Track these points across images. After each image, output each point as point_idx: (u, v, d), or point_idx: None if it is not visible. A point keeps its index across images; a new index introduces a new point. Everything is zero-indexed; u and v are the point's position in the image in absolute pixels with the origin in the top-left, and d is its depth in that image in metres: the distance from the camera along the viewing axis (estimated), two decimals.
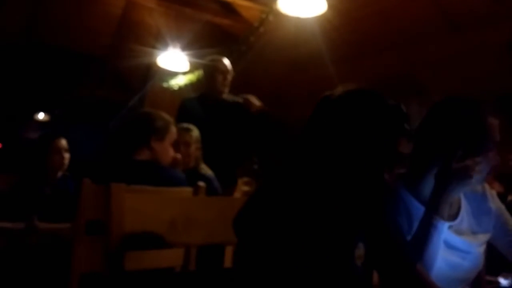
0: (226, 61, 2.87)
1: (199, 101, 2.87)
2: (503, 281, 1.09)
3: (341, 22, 3.62)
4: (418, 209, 1.18)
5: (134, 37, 5.02)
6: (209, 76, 2.86)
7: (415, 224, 1.18)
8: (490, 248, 1.31)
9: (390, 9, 3.50)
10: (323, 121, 0.99)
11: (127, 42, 5.03)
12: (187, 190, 1.63)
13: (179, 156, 1.99)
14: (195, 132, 2.46)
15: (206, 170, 2.46)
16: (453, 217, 1.24)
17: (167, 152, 1.83)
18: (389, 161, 1.00)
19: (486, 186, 1.32)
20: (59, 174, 2.44)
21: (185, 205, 1.28)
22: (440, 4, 3.35)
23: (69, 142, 2.49)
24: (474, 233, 1.27)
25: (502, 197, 2.39)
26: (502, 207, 1.32)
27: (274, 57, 4.58)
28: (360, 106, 0.99)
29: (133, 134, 1.81)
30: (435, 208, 1.13)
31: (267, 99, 3.09)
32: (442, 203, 1.13)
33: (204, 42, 4.47)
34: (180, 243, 1.21)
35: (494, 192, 1.33)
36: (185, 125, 2.43)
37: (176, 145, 1.98)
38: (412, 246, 1.10)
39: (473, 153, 1.13)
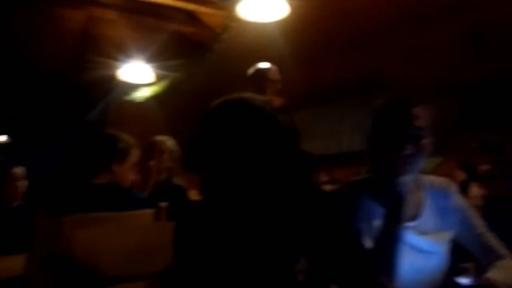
0: (275, 69, 2.75)
1: None
2: (463, 280, 1.09)
3: (303, 25, 3.62)
4: (379, 212, 1.18)
5: (96, 50, 4.89)
6: (259, 84, 2.70)
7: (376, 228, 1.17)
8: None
9: (350, 8, 3.51)
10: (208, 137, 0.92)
11: (89, 56, 4.89)
12: (148, 212, 1.57)
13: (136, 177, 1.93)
14: (170, 142, 2.42)
15: (179, 181, 2.41)
16: (414, 217, 1.24)
17: (127, 175, 1.78)
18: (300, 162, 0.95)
19: (450, 183, 1.32)
20: (15, 203, 2.34)
21: (142, 233, 1.21)
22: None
23: (30, 163, 2.41)
24: (439, 231, 1.26)
25: (464, 185, 2.42)
26: (466, 203, 1.32)
27: (239, 62, 4.54)
28: (245, 119, 0.91)
29: (94, 158, 1.76)
30: (392, 213, 1.14)
31: None
32: (398, 207, 1.15)
33: (170, 52, 4.39)
34: (141, 274, 1.14)
35: (456, 189, 1.33)
36: (161, 136, 2.42)
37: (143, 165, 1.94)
38: (374, 254, 1.10)
39: (398, 145, 1.15)
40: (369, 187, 1.24)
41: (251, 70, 2.73)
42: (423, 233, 1.22)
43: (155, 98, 4.76)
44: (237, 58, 4.43)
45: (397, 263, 1.12)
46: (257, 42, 4.02)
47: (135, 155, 1.82)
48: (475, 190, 2.29)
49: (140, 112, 4.89)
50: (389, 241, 1.11)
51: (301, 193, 0.99)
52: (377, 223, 1.17)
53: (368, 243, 1.15)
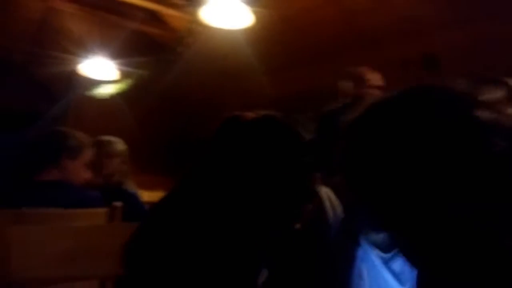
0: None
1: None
2: None
3: (266, 35, 3.70)
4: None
5: (57, 43, 4.76)
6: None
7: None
8: None
9: (311, 23, 3.63)
10: (229, 147, 0.93)
11: (48, 49, 4.75)
12: (101, 211, 1.56)
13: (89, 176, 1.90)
14: (120, 145, 2.35)
15: (130, 186, 2.37)
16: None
17: (79, 172, 1.75)
18: (300, 197, 0.95)
19: None
20: None
21: (93, 233, 1.21)
22: (356, 20, 3.54)
23: None
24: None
25: None
26: None
27: (205, 67, 4.56)
28: (270, 138, 0.93)
29: (41, 152, 1.72)
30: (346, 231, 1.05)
31: (198, 110, 3.06)
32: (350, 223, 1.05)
33: (132, 50, 4.34)
34: (84, 276, 1.14)
35: None
36: (109, 137, 2.34)
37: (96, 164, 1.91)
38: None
39: None
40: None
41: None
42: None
43: (121, 96, 4.67)
44: (203, 63, 4.46)
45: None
46: (224, 48, 4.06)
47: (88, 154, 1.80)
48: None
49: (105, 110, 4.79)
50: (345, 264, 1.03)
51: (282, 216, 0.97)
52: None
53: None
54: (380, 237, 0.96)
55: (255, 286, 0.94)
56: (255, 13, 2.98)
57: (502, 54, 3.12)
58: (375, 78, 2.22)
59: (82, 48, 4.35)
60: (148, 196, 3.57)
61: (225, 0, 2.89)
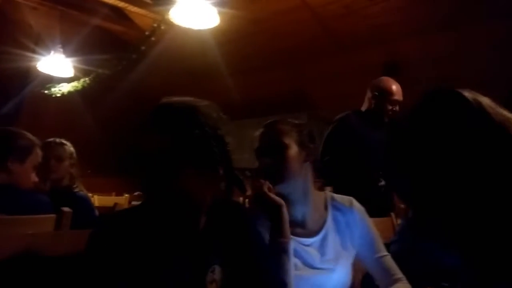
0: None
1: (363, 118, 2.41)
2: None
3: (237, 36, 3.66)
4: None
5: (13, 38, 4.51)
6: (380, 97, 2.35)
7: None
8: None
9: (281, 28, 3.62)
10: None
11: (4, 43, 4.49)
12: (49, 217, 1.45)
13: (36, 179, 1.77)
14: (69, 148, 2.23)
15: (80, 188, 2.26)
16: (316, 232, 1.22)
17: (28, 176, 1.62)
18: (238, 181, 0.97)
19: (353, 201, 1.30)
20: None
21: (32, 240, 1.11)
22: (325, 26, 3.55)
23: None
24: (340, 249, 1.27)
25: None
26: (370, 223, 1.34)
27: (170, 67, 4.45)
28: (194, 120, 0.89)
29: None
30: (278, 231, 1.09)
31: None
32: (283, 224, 1.10)
33: (94, 47, 4.17)
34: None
35: (362, 208, 1.33)
36: (58, 139, 2.21)
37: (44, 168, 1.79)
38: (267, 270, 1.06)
39: None
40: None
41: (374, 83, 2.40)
42: (324, 250, 1.22)
43: (80, 94, 4.47)
44: (169, 62, 4.35)
45: (290, 280, 1.10)
46: (191, 48, 3.98)
47: (37, 155, 1.66)
48: None
49: (62, 108, 4.58)
50: (276, 256, 1.07)
51: (224, 207, 0.97)
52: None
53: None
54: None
55: (203, 283, 0.91)
56: (225, 14, 2.93)
57: (458, 64, 3.25)
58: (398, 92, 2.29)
59: (41, 43, 4.15)
60: (99, 200, 3.42)
61: (193, 0, 2.82)
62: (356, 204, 1.30)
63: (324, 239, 1.23)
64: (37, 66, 4.07)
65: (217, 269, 0.93)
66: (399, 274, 1.23)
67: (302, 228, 1.22)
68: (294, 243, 1.14)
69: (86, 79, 4.21)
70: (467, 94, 0.61)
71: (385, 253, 1.27)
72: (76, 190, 2.15)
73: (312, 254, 1.19)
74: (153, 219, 0.90)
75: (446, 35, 3.26)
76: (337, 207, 1.28)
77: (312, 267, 1.18)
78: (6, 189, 1.55)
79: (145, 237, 0.88)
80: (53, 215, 1.44)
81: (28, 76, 4.52)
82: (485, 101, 0.60)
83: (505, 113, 0.59)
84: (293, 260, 1.14)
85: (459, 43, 3.22)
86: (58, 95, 4.35)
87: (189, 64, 4.43)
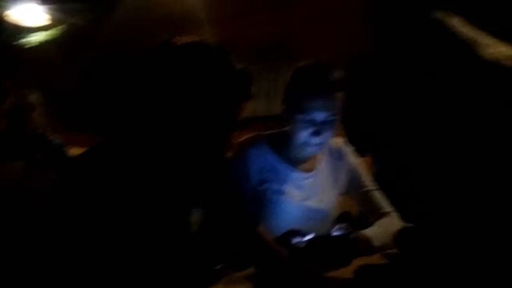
0: None
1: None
2: (337, 232, 1.20)
3: None
4: (285, 168, 1.31)
5: None
6: None
7: (284, 182, 1.29)
8: None
9: None
10: (161, 70, 0.92)
11: None
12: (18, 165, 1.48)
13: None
14: (39, 96, 2.24)
15: (55, 137, 2.28)
16: (311, 169, 1.37)
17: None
18: (229, 125, 0.97)
19: (344, 143, 1.41)
20: None
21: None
22: None
23: None
24: (330, 186, 1.39)
25: None
26: (357, 162, 1.43)
27: (147, 16, 4.31)
28: (202, 64, 0.92)
29: None
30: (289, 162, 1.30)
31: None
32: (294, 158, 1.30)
33: None
34: None
35: (351, 149, 1.43)
36: (30, 89, 2.21)
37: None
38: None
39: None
40: (272, 143, 1.33)
41: None
42: (317, 184, 1.35)
43: (53, 44, 4.31)
44: (145, 11, 4.20)
45: (279, 212, 1.25)
46: None
47: (10, 101, 1.66)
48: None
49: (35, 59, 4.42)
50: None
51: (213, 147, 0.99)
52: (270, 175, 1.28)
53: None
54: None
55: (186, 224, 0.96)
56: None
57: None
58: None
59: None
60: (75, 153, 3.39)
61: None
62: (346, 145, 1.43)
63: (317, 175, 1.37)
64: (7, 15, 3.89)
65: (198, 210, 0.99)
66: (387, 208, 1.34)
67: (303, 163, 1.36)
68: (295, 174, 1.32)
69: (59, 28, 4.05)
70: None
71: (372, 187, 1.39)
72: (50, 138, 2.17)
73: (307, 186, 1.34)
74: (147, 155, 0.91)
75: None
76: (330, 149, 1.40)
77: (305, 198, 1.33)
78: None
79: (139, 171, 0.89)
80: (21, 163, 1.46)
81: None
82: None
83: None
84: (291, 189, 1.29)
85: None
86: (30, 45, 4.20)
87: (164, 12, 4.29)
